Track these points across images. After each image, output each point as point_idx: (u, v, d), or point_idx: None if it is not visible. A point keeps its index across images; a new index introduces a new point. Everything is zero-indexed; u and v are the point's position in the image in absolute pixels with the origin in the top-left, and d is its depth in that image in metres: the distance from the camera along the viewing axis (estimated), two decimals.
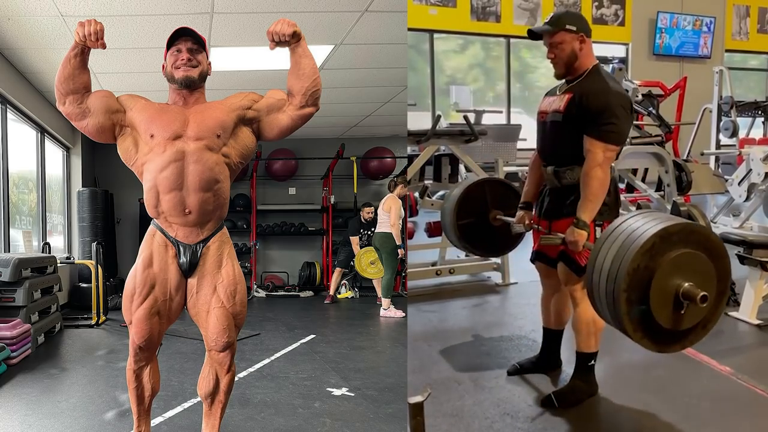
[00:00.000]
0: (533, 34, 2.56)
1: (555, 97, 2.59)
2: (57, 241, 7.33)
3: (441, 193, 6.05)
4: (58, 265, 5.61)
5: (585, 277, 2.46)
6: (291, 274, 8.81)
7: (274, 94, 2.27)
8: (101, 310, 5.85)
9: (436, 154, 4.77)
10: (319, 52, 4.80)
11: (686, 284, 1.95)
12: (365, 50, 4.83)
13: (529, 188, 2.81)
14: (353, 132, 8.31)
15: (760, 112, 8.14)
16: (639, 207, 3.63)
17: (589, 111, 2.42)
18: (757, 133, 8.76)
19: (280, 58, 4.84)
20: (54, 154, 7.29)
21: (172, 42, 2.24)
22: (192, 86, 2.22)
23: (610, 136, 2.39)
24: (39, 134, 6.58)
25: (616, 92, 2.43)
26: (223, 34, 4.35)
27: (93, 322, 5.70)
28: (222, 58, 4.77)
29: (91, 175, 8.03)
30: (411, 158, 4.66)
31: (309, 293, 8.27)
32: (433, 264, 4.68)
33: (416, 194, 4.69)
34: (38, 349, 4.54)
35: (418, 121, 8.85)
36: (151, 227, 2.28)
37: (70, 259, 6.81)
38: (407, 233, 6.23)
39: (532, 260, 2.85)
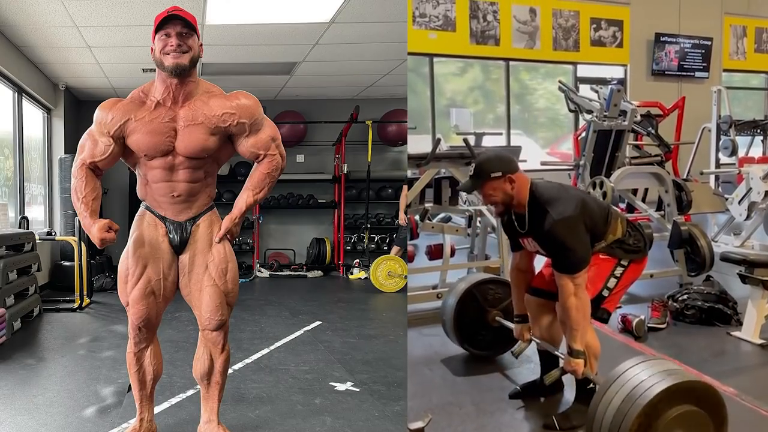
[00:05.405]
0: (467, 188, 2.63)
1: (526, 241, 2.67)
2: (37, 214, 6.67)
3: (441, 215, 6.05)
4: (37, 241, 5.19)
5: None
6: (298, 252, 8.09)
7: (263, 136, 2.28)
8: (85, 292, 5.37)
9: (437, 176, 4.78)
10: (329, 5, 4.56)
11: None
12: (380, 2, 4.51)
13: (518, 302, 2.90)
14: (369, 92, 7.45)
15: (758, 131, 8.18)
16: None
17: (549, 249, 2.54)
18: (756, 151, 8.79)
19: (281, 11, 4.69)
20: (33, 115, 6.55)
21: (160, 26, 2.14)
22: (183, 74, 2.16)
23: (571, 267, 2.45)
24: (16, 94, 5.95)
25: (559, 218, 2.44)
26: None
27: (76, 305, 5.23)
28: (219, 11, 4.24)
29: (75, 139, 7.01)
30: (411, 182, 4.67)
31: (318, 273, 7.56)
32: (434, 287, 4.66)
33: (417, 217, 4.69)
34: (14, 336, 4.23)
35: (419, 143, 8.85)
36: (141, 209, 2.34)
37: (51, 234, 6.15)
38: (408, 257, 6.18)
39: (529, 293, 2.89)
